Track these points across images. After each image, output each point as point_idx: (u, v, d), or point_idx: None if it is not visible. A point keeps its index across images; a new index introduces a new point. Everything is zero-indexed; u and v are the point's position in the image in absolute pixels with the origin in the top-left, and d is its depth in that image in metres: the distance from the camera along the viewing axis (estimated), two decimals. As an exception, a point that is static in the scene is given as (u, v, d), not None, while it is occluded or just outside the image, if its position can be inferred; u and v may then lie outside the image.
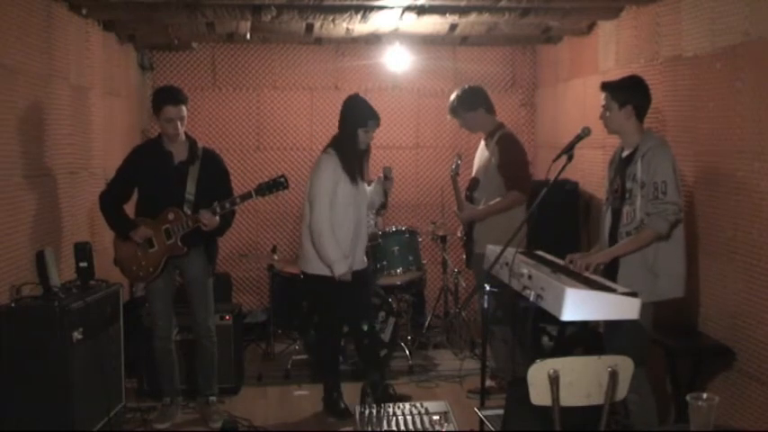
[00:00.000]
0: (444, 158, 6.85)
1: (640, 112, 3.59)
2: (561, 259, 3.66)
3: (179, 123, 4.25)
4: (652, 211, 3.41)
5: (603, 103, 3.63)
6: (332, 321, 4.58)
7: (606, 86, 3.64)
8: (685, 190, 4.10)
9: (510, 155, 4.60)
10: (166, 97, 4.25)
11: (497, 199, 4.59)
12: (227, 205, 4.21)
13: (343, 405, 4.54)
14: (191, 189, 4.28)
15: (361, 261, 4.51)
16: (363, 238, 4.52)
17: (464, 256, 5.02)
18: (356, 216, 4.41)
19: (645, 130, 3.62)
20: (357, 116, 4.38)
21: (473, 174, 4.88)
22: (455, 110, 4.79)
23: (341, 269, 4.28)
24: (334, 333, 4.62)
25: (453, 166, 4.93)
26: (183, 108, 4.26)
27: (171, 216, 4.25)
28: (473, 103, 4.72)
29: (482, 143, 4.86)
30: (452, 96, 4.81)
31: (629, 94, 3.57)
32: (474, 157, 4.96)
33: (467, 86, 4.83)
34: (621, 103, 3.56)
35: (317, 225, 4.30)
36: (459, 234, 5.02)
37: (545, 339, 4.92)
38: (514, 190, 4.55)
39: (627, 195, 3.56)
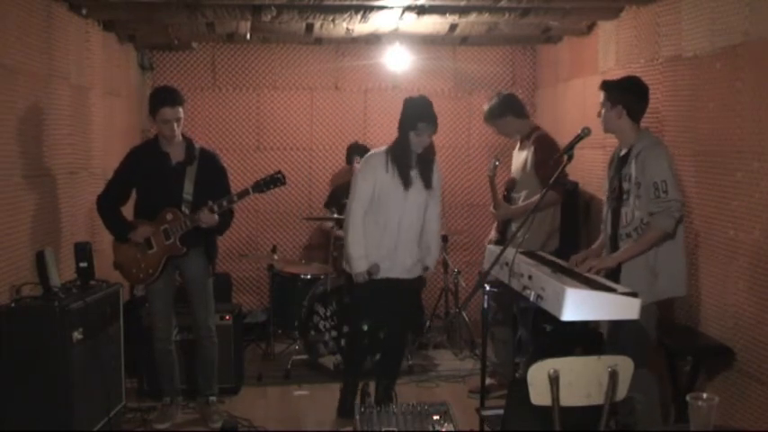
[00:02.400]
0: (443, 158, 6.83)
1: (633, 113, 3.60)
2: (561, 259, 3.67)
3: (175, 124, 4.24)
4: (656, 210, 3.41)
5: (600, 101, 3.65)
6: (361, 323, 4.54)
7: (604, 85, 3.67)
8: (685, 190, 4.10)
9: (545, 155, 4.64)
10: (163, 99, 4.24)
11: (533, 198, 4.64)
12: (225, 203, 4.21)
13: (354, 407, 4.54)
14: (188, 189, 4.28)
15: (405, 269, 4.35)
16: (410, 245, 4.34)
17: None
18: (397, 221, 4.27)
19: (641, 130, 3.63)
20: (407, 119, 4.27)
21: (511, 174, 4.95)
22: (486, 119, 4.96)
23: (358, 267, 4.24)
24: (362, 335, 4.59)
25: (491, 167, 4.95)
26: (180, 109, 4.26)
27: (169, 216, 4.25)
28: (501, 112, 4.84)
29: (517, 145, 4.97)
30: (485, 107, 4.95)
31: (622, 94, 3.59)
32: (481, 160, 5.06)
33: (496, 95, 4.94)
34: (613, 103, 3.59)
35: (345, 219, 4.38)
36: (492, 236, 5.04)
37: (545, 339, 4.92)
38: (550, 190, 4.58)
39: (625, 196, 3.57)
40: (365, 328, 4.55)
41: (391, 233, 4.28)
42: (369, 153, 4.46)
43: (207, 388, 4.56)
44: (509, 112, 4.83)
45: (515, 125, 4.88)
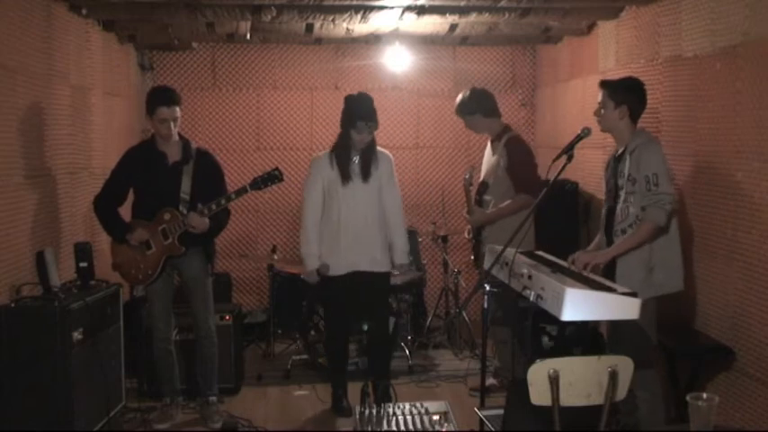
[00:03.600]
0: (444, 158, 6.86)
1: (634, 114, 3.63)
2: (561, 259, 3.67)
3: (172, 124, 4.26)
4: (647, 203, 3.43)
5: (599, 100, 3.66)
6: (336, 320, 4.60)
7: (605, 84, 3.68)
8: (685, 189, 4.10)
9: (518, 157, 4.63)
10: (160, 98, 4.26)
11: (507, 202, 4.62)
12: (214, 206, 4.19)
13: (344, 403, 4.58)
14: (186, 189, 4.29)
15: (370, 262, 4.41)
16: (369, 238, 4.41)
17: (472, 257, 5.03)
18: (347, 216, 4.36)
19: (636, 130, 3.64)
20: (347, 117, 4.37)
21: (481, 177, 4.91)
22: (456, 112, 4.90)
23: (308, 265, 4.42)
24: (339, 332, 4.63)
25: (467, 176, 4.92)
26: (177, 109, 4.28)
27: (167, 216, 4.25)
28: (471, 108, 4.79)
29: (488, 145, 4.91)
30: (458, 98, 4.89)
31: (625, 94, 3.61)
32: (480, 160, 5.03)
33: (470, 90, 4.86)
34: (617, 103, 3.60)
35: (301, 221, 4.50)
36: (466, 235, 5.04)
37: (545, 339, 4.91)
38: (523, 193, 4.56)
39: (620, 193, 3.58)
40: (365, 328, 4.57)
41: (346, 227, 4.37)
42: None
43: (207, 388, 4.56)
44: (478, 110, 4.77)
45: (484, 124, 4.83)
